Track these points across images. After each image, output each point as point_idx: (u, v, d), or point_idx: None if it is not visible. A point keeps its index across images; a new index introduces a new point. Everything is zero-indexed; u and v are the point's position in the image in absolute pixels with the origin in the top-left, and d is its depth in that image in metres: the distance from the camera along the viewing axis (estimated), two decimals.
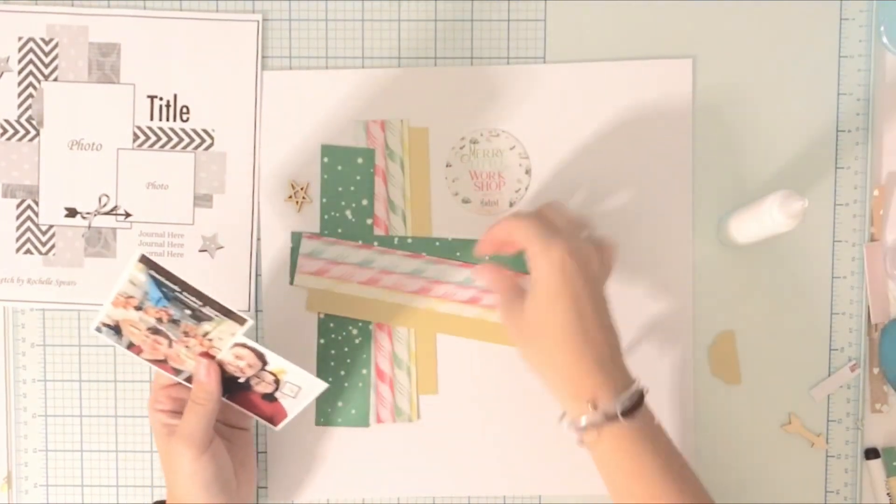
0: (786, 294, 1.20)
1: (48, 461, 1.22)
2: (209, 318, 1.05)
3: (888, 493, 1.19)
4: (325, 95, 1.19)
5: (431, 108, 1.19)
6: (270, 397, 1.11)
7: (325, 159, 1.19)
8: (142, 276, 1.04)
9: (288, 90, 1.19)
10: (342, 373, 1.20)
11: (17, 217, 1.19)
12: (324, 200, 1.19)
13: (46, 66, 1.19)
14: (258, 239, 1.20)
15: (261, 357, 1.08)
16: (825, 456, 1.20)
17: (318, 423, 1.21)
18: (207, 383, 1.08)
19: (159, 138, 1.19)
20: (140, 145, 1.19)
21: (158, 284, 1.04)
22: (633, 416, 1.02)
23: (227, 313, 1.04)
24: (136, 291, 1.05)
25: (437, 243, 1.19)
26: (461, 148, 1.19)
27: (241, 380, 1.11)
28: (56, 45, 1.19)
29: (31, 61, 1.19)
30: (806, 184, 1.19)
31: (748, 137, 1.19)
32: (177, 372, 1.11)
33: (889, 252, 1.20)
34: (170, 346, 1.09)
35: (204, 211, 1.19)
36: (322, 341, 1.20)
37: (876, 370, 1.20)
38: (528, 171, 1.19)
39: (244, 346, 1.07)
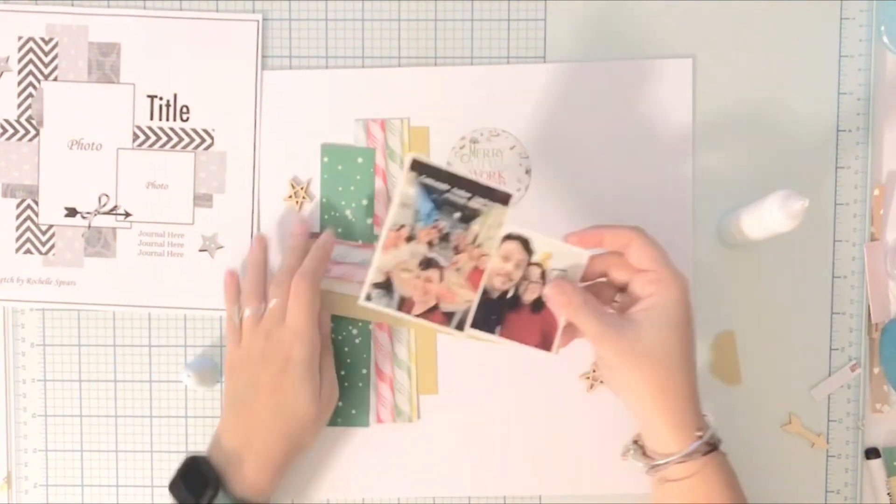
0: (786, 294, 1.20)
1: (48, 461, 1.22)
2: (477, 213, 1.05)
3: (888, 493, 1.19)
4: (325, 95, 1.19)
5: (432, 108, 1.19)
6: (538, 305, 1.08)
7: (326, 159, 1.19)
8: (412, 189, 1.04)
9: (288, 90, 1.19)
10: (342, 373, 1.20)
11: (17, 217, 1.20)
12: (324, 200, 1.19)
13: (46, 65, 1.19)
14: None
15: (526, 246, 1.07)
16: (825, 456, 1.21)
17: None
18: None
19: (159, 138, 1.19)
20: (140, 145, 1.19)
21: (429, 192, 1.04)
22: (719, 449, 1.04)
23: (491, 194, 1.04)
24: (407, 214, 1.04)
25: None
26: (461, 147, 1.19)
27: (510, 293, 1.08)
28: (56, 45, 1.19)
29: (30, 61, 1.19)
30: (806, 184, 1.19)
31: (748, 137, 1.19)
32: (448, 318, 1.08)
33: (889, 252, 1.20)
34: (441, 279, 1.08)
35: (204, 211, 1.19)
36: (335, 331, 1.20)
37: (876, 370, 1.20)
38: (528, 171, 1.19)
39: (510, 238, 1.06)
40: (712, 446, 1.03)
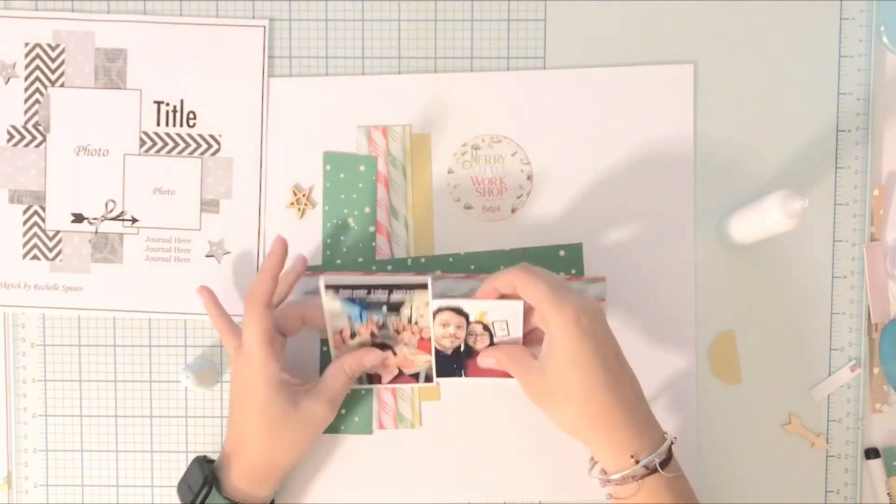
0: (786, 294, 1.20)
1: (48, 461, 1.23)
2: (402, 302, 1.09)
3: (888, 493, 1.20)
4: (327, 101, 1.20)
5: (433, 115, 1.19)
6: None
7: (328, 167, 1.19)
8: (336, 303, 1.10)
9: (291, 96, 1.20)
10: None
11: (24, 223, 1.20)
12: (326, 208, 1.20)
13: (53, 71, 1.19)
14: (265, 244, 1.20)
15: (459, 311, 1.11)
16: (825, 456, 1.21)
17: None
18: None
19: (166, 144, 1.19)
20: (147, 151, 1.19)
21: (352, 300, 1.09)
22: (668, 468, 1.03)
23: (409, 286, 1.07)
24: (342, 320, 1.11)
25: (451, 259, 1.20)
26: (463, 154, 1.19)
27: (462, 348, 1.13)
28: (62, 51, 1.19)
29: (37, 67, 1.20)
30: (806, 184, 1.19)
31: (749, 138, 1.20)
32: (416, 378, 1.16)
33: (889, 252, 1.20)
34: (395, 354, 1.14)
35: (211, 216, 1.20)
36: (325, 348, 1.20)
37: (876, 370, 1.20)
38: (529, 177, 1.19)
39: (441, 310, 1.11)
40: (650, 469, 1.02)
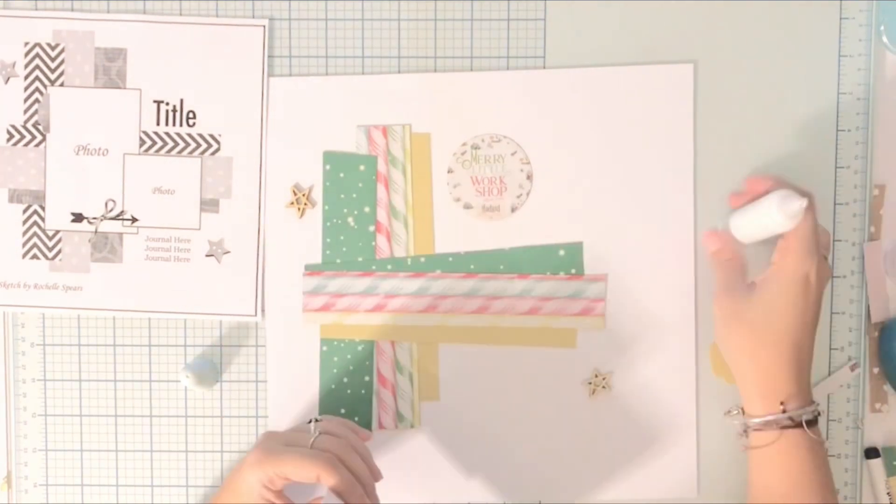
0: None
1: (48, 461, 1.23)
2: None
3: (888, 493, 1.20)
4: (327, 101, 1.20)
5: (433, 114, 1.19)
6: None
7: (328, 167, 1.20)
8: None
9: (291, 96, 1.20)
10: (345, 380, 1.21)
11: (24, 222, 1.20)
12: (326, 208, 1.20)
13: (53, 71, 1.19)
14: (265, 243, 1.20)
15: None
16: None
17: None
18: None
19: (165, 143, 1.19)
20: (146, 150, 1.19)
21: None
22: (812, 429, 1.06)
23: None
24: None
25: (451, 258, 1.20)
26: (463, 154, 1.19)
27: None
28: (62, 51, 1.19)
29: (37, 66, 1.20)
30: (806, 184, 1.19)
31: (749, 138, 1.20)
32: None
33: (889, 252, 1.20)
34: None
35: (210, 216, 1.20)
36: (325, 348, 1.21)
37: (876, 370, 1.21)
38: (529, 177, 1.19)
39: None
40: (795, 422, 1.06)
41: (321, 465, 1.03)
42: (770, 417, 1.06)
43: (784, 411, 1.05)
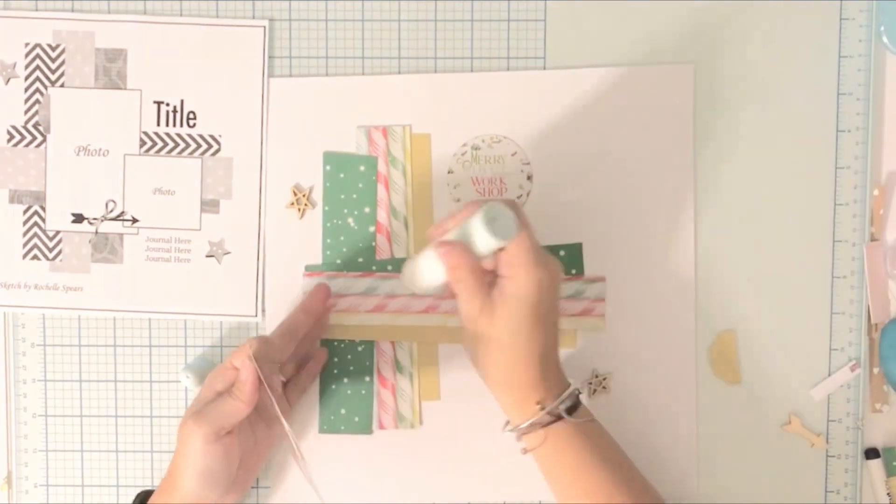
0: (786, 294, 1.20)
1: (48, 461, 1.23)
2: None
3: (888, 493, 1.20)
4: (327, 101, 1.20)
5: (433, 115, 1.20)
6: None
7: (328, 167, 1.20)
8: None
9: (291, 96, 1.20)
10: (345, 380, 1.21)
11: (24, 223, 1.20)
12: (326, 209, 1.20)
13: (53, 72, 1.19)
14: (265, 244, 1.20)
15: None
16: (825, 456, 1.21)
17: (321, 431, 1.21)
18: (247, 382, 1.07)
19: (166, 144, 1.19)
20: (147, 151, 1.19)
21: None
22: (573, 416, 1.06)
23: None
24: None
25: None
26: (463, 154, 1.19)
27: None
28: (62, 51, 1.19)
29: (37, 67, 1.20)
30: (806, 184, 1.20)
31: (749, 139, 1.20)
32: None
33: (889, 252, 1.20)
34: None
35: (211, 216, 1.20)
36: (325, 349, 1.21)
37: (876, 370, 1.20)
38: (529, 177, 1.19)
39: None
40: (556, 416, 1.05)
41: (234, 409, 1.08)
42: (532, 420, 1.05)
43: (542, 409, 1.05)
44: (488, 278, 1.06)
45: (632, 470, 1.10)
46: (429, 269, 1.06)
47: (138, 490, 1.21)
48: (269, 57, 1.20)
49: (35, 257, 1.20)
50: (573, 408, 1.07)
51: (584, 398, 1.19)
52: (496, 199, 1.07)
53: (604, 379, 1.20)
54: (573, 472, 1.07)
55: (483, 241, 1.01)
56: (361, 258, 1.20)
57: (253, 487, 1.21)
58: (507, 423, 1.09)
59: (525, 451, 1.08)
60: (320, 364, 1.20)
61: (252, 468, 1.16)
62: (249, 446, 1.14)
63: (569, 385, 1.08)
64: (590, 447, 1.07)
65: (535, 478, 1.19)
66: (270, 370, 1.09)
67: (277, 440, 1.18)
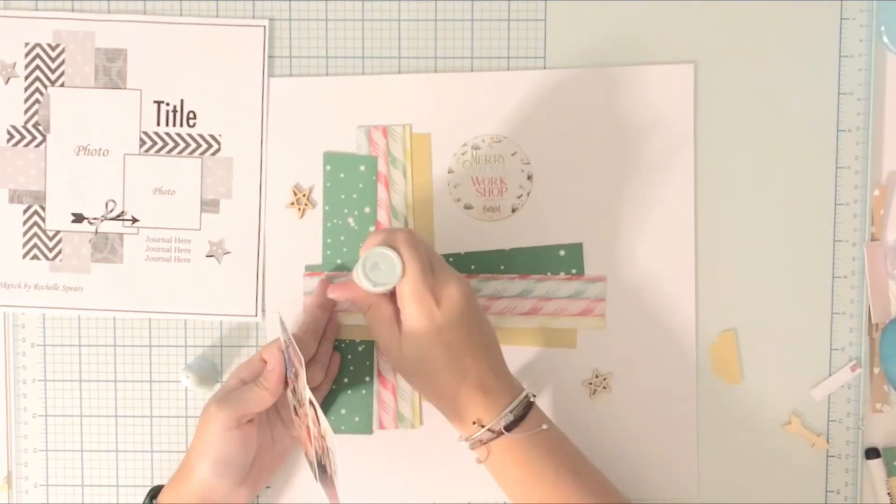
0: (786, 294, 1.20)
1: (48, 461, 1.23)
2: (296, 368, 1.05)
3: (889, 493, 1.20)
4: (327, 102, 1.20)
5: (433, 114, 1.20)
6: (331, 481, 1.07)
7: (328, 167, 1.20)
8: (282, 340, 1.09)
9: (291, 96, 1.20)
10: (345, 380, 1.21)
11: (24, 223, 1.20)
12: (326, 208, 1.20)
13: (53, 71, 1.19)
14: (265, 244, 1.20)
15: (317, 414, 1.04)
16: (825, 456, 1.21)
17: None
18: (274, 371, 1.09)
19: (166, 144, 1.19)
20: (147, 151, 1.19)
21: (286, 346, 1.08)
22: (519, 428, 1.06)
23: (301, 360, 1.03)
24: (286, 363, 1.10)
25: (451, 259, 1.20)
26: (463, 154, 1.19)
27: (323, 462, 1.07)
28: (62, 51, 1.19)
29: (37, 67, 1.19)
30: (806, 184, 1.20)
31: (749, 138, 1.20)
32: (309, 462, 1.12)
33: (889, 252, 1.20)
34: (299, 426, 1.12)
35: (211, 216, 1.20)
36: (337, 353, 1.21)
37: (876, 370, 1.20)
38: (529, 177, 1.19)
39: (312, 403, 1.03)
40: (497, 432, 1.05)
41: (258, 397, 1.10)
42: (474, 437, 1.06)
43: (481, 427, 1.05)
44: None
45: (592, 475, 1.10)
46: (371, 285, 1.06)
47: (138, 490, 1.22)
48: (269, 57, 1.20)
49: (35, 257, 1.20)
50: (521, 418, 1.06)
51: (584, 398, 1.19)
52: (391, 231, 1.06)
53: (605, 378, 1.20)
54: (521, 486, 1.07)
55: (367, 286, 1.04)
56: None
57: (265, 486, 1.21)
58: (460, 435, 1.10)
59: (478, 461, 1.09)
60: (336, 368, 1.20)
61: (266, 467, 1.16)
62: (266, 443, 1.15)
63: (518, 393, 1.07)
64: (537, 458, 1.06)
65: None
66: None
67: (293, 445, 1.18)
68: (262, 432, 1.13)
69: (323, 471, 1.07)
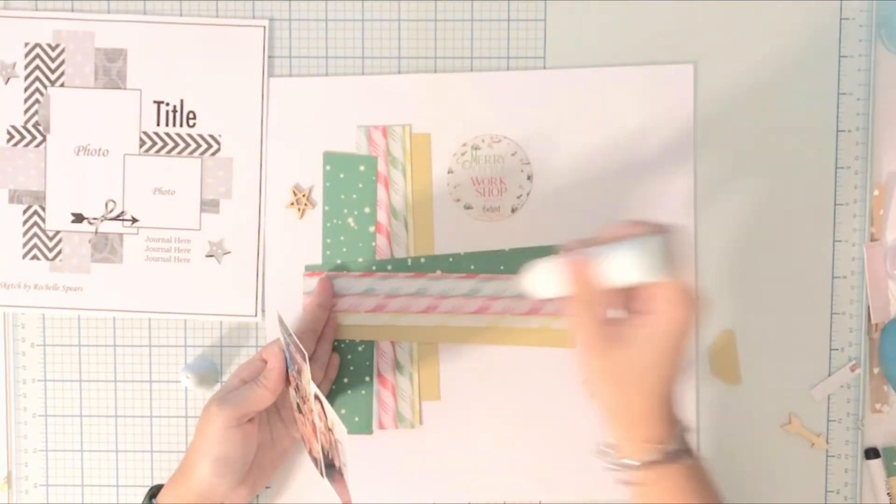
0: (786, 294, 1.20)
1: (48, 461, 1.23)
2: (301, 366, 1.05)
3: (888, 493, 1.20)
4: (327, 102, 1.20)
5: (433, 114, 1.20)
6: (340, 473, 1.06)
7: (328, 167, 1.20)
8: (281, 339, 1.09)
9: (291, 96, 1.20)
10: (345, 380, 1.21)
11: (24, 223, 1.20)
12: (326, 209, 1.20)
13: (53, 71, 1.20)
14: (265, 244, 1.20)
15: (323, 407, 1.03)
16: (825, 456, 1.21)
17: None
18: (274, 370, 1.10)
19: (166, 144, 1.19)
20: (147, 151, 1.19)
21: (286, 343, 1.08)
22: (686, 456, 1.02)
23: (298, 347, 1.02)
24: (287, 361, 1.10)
25: (451, 259, 1.20)
26: (463, 154, 1.19)
27: (330, 456, 1.06)
28: (62, 51, 1.19)
29: (37, 67, 1.20)
30: (806, 184, 1.20)
31: (749, 138, 1.20)
32: (316, 463, 1.12)
33: (889, 252, 1.20)
34: (303, 423, 1.11)
35: (211, 216, 1.20)
36: (336, 354, 1.21)
37: (876, 370, 1.21)
38: (529, 177, 1.19)
39: (318, 398, 1.03)
40: (671, 458, 1.02)
41: (258, 396, 1.10)
42: (648, 459, 1.01)
43: (661, 449, 1.01)
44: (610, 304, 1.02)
45: None
46: (549, 280, 1.01)
47: (138, 490, 1.22)
48: (269, 57, 1.20)
49: (35, 257, 1.20)
50: (684, 451, 1.03)
51: (586, 398, 1.19)
52: (654, 224, 0.98)
53: None
54: None
55: (626, 274, 0.97)
56: (361, 258, 1.20)
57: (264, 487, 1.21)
58: (608, 451, 1.05)
59: (626, 483, 1.04)
60: (336, 371, 1.20)
61: (265, 468, 1.16)
62: (266, 443, 1.15)
63: (683, 425, 1.04)
64: (698, 490, 1.03)
65: (535, 478, 1.20)
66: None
67: (292, 446, 1.18)
68: (262, 432, 1.14)
69: (331, 466, 1.07)
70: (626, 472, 1.04)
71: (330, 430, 1.03)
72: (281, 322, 1.07)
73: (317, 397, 1.02)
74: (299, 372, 1.06)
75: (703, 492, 1.04)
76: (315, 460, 1.12)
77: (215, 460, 1.08)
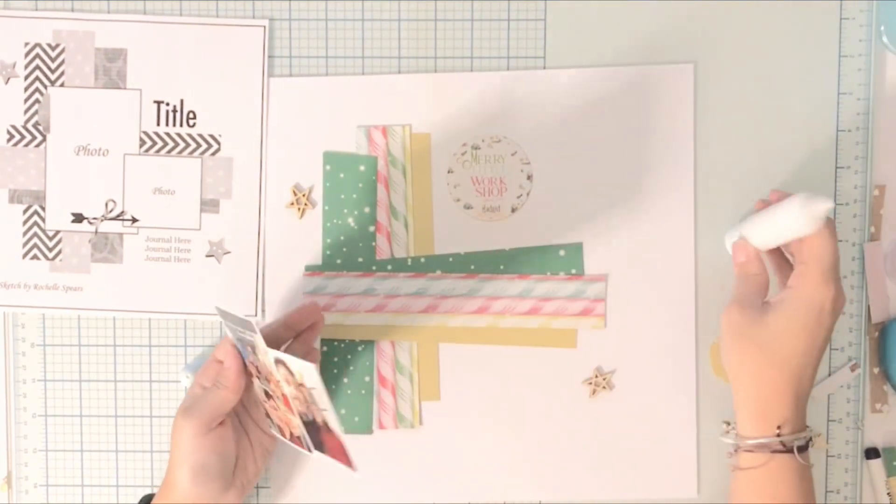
0: None
1: (48, 461, 1.23)
2: (253, 344, 1.04)
3: (888, 493, 1.20)
4: (327, 102, 1.20)
5: (433, 114, 1.19)
6: (327, 427, 1.05)
7: (328, 167, 1.20)
8: (229, 332, 1.08)
9: (291, 96, 1.20)
10: (345, 380, 1.21)
11: (24, 223, 1.20)
12: (326, 208, 1.20)
13: (53, 71, 1.19)
14: (265, 244, 1.20)
15: (287, 367, 1.02)
16: (825, 456, 1.21)
17: None
18: (230, 368, 1.09)
19: (166, 143, 1.19)
20: (147, 150, 1.19)
21: (235, 332, 1.07)
22: (803, 455, 1.04)
23: (247, 325, 1.02)
24: (243, 352, 1.09)
25: (451, 259, 1.20)
26: (463, 154, 1.19)
27: (311, 417, 1.06)
28: (62, 51, 1.19)
29: (37, 67, 1.19)
30: (806, 184, 1.19)
31: (749, 138, 1.19)
32: (301, 442, 1.10)
33: (889, 251, 1.20)
34: (276, 408, 1.10)
35: (211, 216, 1.20)
36: (325, 349, 1.21)
37: (876, 370, 1.21)
38: (529, 177, 1.19)
39: (279, 362, 1.02)
40: (787, 447, 1.04)
41: (221, 398, 1.10)
42: (763, 440, 1.04)
43: (778, 435, 1.03)
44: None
45: None
46: (786, 220, 1.06)
47: (138, 490, 1.22)
48: (269, 57, 1.20)
49: (35, 257, 1.20)
50: (802, 449, 1.05)
51: (584, 397, 1.19)
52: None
53: (605, 378, 1.19)
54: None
55: (793, 222, 1.04)
56: (361, 258, 1.20)
57: (253, 487, 1.20)
58: (731, 431, 1.08)
59: (735, 467, 1.07)
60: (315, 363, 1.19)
61: (250, 470, 1.15)
62: (245, 446, 1.14)
63: (807, 427, 1.06)
64: (800, 492, 1.04)
65: (535, 477, 1.19)
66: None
67: (273, 445, 1.18)
68: (237, 434, 1.13)
69: (315, 430, 1.06)
70: (740, 452, 1.06)
71: (301, 384, 1.01)
72: (221, 312, 1.06)
73: (278, 361, 1.02)
74: (254, 349, 1.05)
75: (804, 493, 1.05)
76: (299, 440, 1.10)
77: (193, 469, 1.08)
